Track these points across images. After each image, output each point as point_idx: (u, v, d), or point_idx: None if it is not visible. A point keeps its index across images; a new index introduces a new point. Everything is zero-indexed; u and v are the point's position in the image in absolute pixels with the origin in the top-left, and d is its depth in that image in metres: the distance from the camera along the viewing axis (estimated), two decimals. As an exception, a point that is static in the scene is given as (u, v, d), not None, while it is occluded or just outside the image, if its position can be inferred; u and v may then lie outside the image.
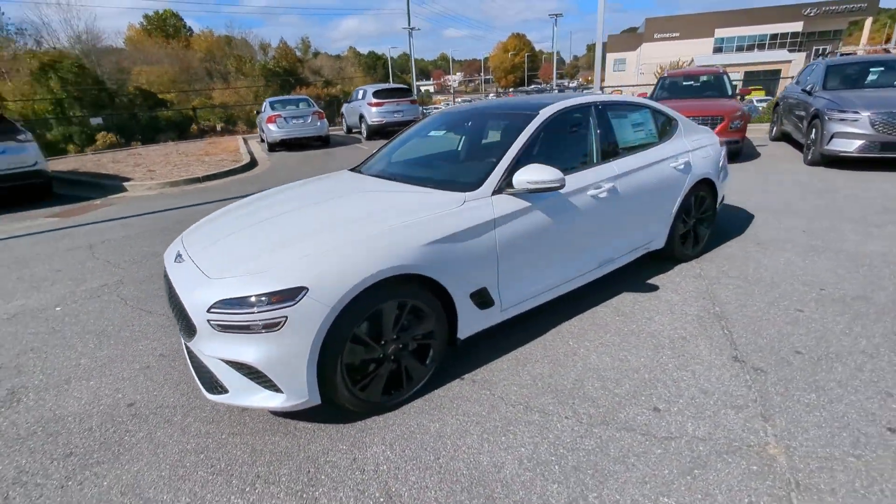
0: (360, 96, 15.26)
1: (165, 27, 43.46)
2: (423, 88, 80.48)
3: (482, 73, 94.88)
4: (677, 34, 42.11)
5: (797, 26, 39.36)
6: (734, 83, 9.29)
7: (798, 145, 8.32)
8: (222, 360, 2.01)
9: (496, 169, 2.57)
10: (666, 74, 9.69)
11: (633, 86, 27.72)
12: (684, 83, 9.01)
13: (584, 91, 13.98)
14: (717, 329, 2.83)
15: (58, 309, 3.74)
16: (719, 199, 4.10)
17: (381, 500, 1.79)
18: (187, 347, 2.32)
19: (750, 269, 3.65)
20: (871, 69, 7.69)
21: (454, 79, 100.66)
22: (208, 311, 1.96)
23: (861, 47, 38.17)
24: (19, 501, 1.89)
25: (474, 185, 2.53)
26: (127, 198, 8.34)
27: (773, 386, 2.28)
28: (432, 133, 3.48)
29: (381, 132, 14.20)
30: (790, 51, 38.36)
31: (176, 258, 2.43)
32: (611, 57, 53.44)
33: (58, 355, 3.02)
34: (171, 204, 7.48)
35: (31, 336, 3.31)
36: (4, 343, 3.23)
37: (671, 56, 33.39)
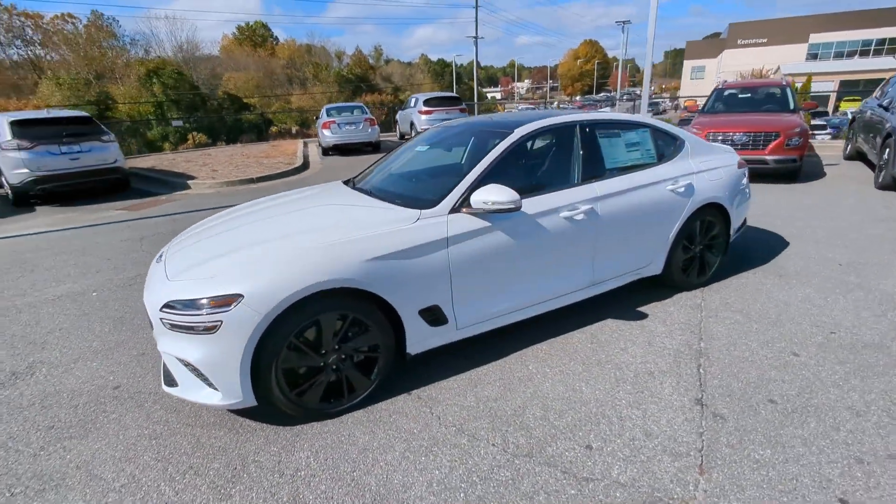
0: (412, 104, 15.66)
1: (255, 37, 47.15)
2: (489, 95, 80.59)
3: (548, 80, 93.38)
4: (764, 40, 38.94)
5: (909, 30, 34.99)
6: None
7: (872, 166, 7.43)
8: (173, 356, 2.20)
9: (457, 187, 2.58)
10: (722, 85, 9.02)
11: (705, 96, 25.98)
12: (741, 95, 8.36)
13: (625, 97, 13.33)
14: (691, 367, 2.63)
15: (94, 294, 4.21)
16: (736, 226, 3.78)
17: (287, 504, 1.87)
18: (158, 341, 2.55)
19: (757, 304, 3.34)
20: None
21: (521, 86, 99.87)
22: (160, 309, 2.16)
23: None
24: (-2, 464, 2.18)
25: (433, 202, 2.55)
26: (189, 195, 9.15)
27: (727, 436, 2.09)
28: (418, 149, 3.54)
29: (431, 139, 14.43)
30: (900, 57, 34.16)
31: (159, 257, 2.68)
32: (689, 64, 50.68)
33: (77, 336, 3.41)
34: (222, 202, 8.09)
35: (63, 317, 3.76)
36: (42, 321, 3.69)
37: (755, 63, 30.92)
